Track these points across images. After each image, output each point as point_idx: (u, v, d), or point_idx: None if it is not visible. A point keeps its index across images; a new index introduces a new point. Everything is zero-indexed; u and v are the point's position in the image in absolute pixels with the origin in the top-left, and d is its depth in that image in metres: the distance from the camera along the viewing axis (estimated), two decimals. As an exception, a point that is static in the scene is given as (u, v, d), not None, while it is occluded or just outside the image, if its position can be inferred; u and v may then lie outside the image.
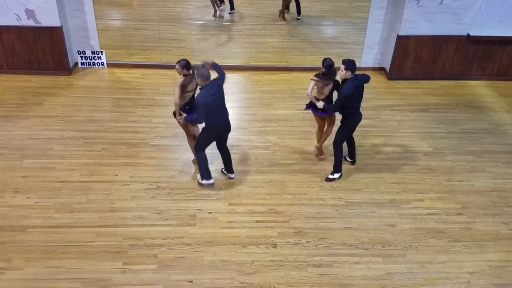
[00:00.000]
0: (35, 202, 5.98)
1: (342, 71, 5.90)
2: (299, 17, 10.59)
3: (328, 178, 6.54)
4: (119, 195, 6.15)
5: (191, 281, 5.06)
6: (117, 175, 6.47)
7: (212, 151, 6.35)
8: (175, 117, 6.24)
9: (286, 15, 10.51)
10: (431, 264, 5.38)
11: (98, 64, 9.18)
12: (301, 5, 10.49)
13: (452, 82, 9.17)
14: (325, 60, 6.16)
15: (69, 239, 5.49)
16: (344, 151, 6.57)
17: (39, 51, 8.58)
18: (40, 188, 6.20)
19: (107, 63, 9.20)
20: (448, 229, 5.87)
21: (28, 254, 5.28)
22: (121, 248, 5.41)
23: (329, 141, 6.70)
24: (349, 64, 5.85)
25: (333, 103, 6.20)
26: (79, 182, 6.33)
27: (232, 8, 10.57)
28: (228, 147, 6.36)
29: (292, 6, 10.55)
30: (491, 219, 6.05)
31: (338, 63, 6.04)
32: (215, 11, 10.50)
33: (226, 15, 10.65)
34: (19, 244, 5.40)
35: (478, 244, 5.68)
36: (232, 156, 6.76)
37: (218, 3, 10.54)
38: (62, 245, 5.41)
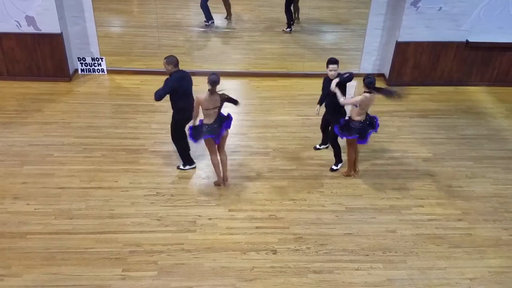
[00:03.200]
0: (34, 209, 5.97)
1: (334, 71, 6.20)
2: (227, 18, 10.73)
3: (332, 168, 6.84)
4: (118, 201, 6.14)
5: (191, 288, 5.05)
6: (116, 181, 6.46)
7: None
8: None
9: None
10: (431, 270, 5.37)
11: (98, 70, 9.19)
12: (300, 11, 10.53)
13: (451, 88, 9.20)
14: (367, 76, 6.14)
15: (68, 245, 5.47)
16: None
17: (39, 58, 8.60)
18: (39, 195, 6.18)
19: (107, 70, 9.21)
20: (448, 235, 5.86)
21: (27, 261, 5.26)
22: (120, 254, 5.39)
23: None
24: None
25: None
26: (79, 188, 6.32)
27: (209, 18, 10.49)
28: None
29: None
30: (491, 225, 6.04)
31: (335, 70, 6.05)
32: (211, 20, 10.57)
33: (222, 23, 10.67)
34: (19, 251, 5.38)
35: (479, 250, 5.66)
36: (231, 162, 6.77)
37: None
38: (62, 251, 5.39)
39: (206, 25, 10.45)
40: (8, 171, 6.57)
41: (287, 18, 10.37)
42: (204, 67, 9.06)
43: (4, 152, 6.94)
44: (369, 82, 5.99)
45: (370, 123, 6.28)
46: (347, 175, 6.69)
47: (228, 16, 10.73)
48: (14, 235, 5.58)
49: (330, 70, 6.22)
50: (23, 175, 6.52)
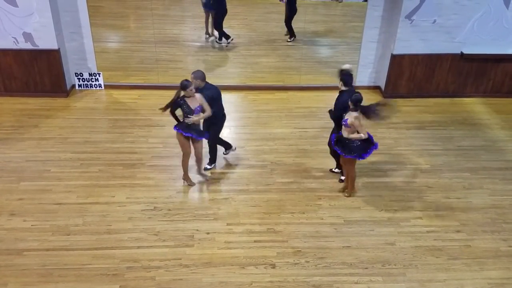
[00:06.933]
0: (31, 225, 5.93)
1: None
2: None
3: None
4: (116, 216, 6.11)
5: (189, 303, 5.00)
6: (114, 196, 6.44)
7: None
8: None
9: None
10: (431, 283, 5.34)
11: (96, 85, 9.22)
12: (295, 26, 10.61)
13: (447, 100, 9.25)
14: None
15: (65, 262, 5.43)
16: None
17: (36, 74, 8.62)
18: (36, 211, 6.15)
19: (104, 85, 9.24)
20: (447, 246, 5.84)
21: (24, 278, 5.21)
22: (118, 270, 5.35)
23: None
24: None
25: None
26: (76, 204, 6.30)
27: (220, 38, 10.49)
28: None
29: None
30: (490, 236, 6.03)
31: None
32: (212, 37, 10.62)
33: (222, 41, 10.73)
34: (15, 268, 5.33)
35: (478, 261, 5.65)
36: (230, 175, 6.80)
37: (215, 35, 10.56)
38: (59, 268, 5.35)
39: (219, 43, 10.52)
40: (5, 187, 6.54)
41: (289, 29, 10.51)
42: (201, 81, 9.10)
43: (0, 168, 6.91)
44: (357, 100, 5.78)
45: (367, 139, 6.08)
46: (350, 195, 6.57)
47: (208, 34, 10.73)
48: (11, 252, 5.53)
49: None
50: (19, 191, 6.49)
